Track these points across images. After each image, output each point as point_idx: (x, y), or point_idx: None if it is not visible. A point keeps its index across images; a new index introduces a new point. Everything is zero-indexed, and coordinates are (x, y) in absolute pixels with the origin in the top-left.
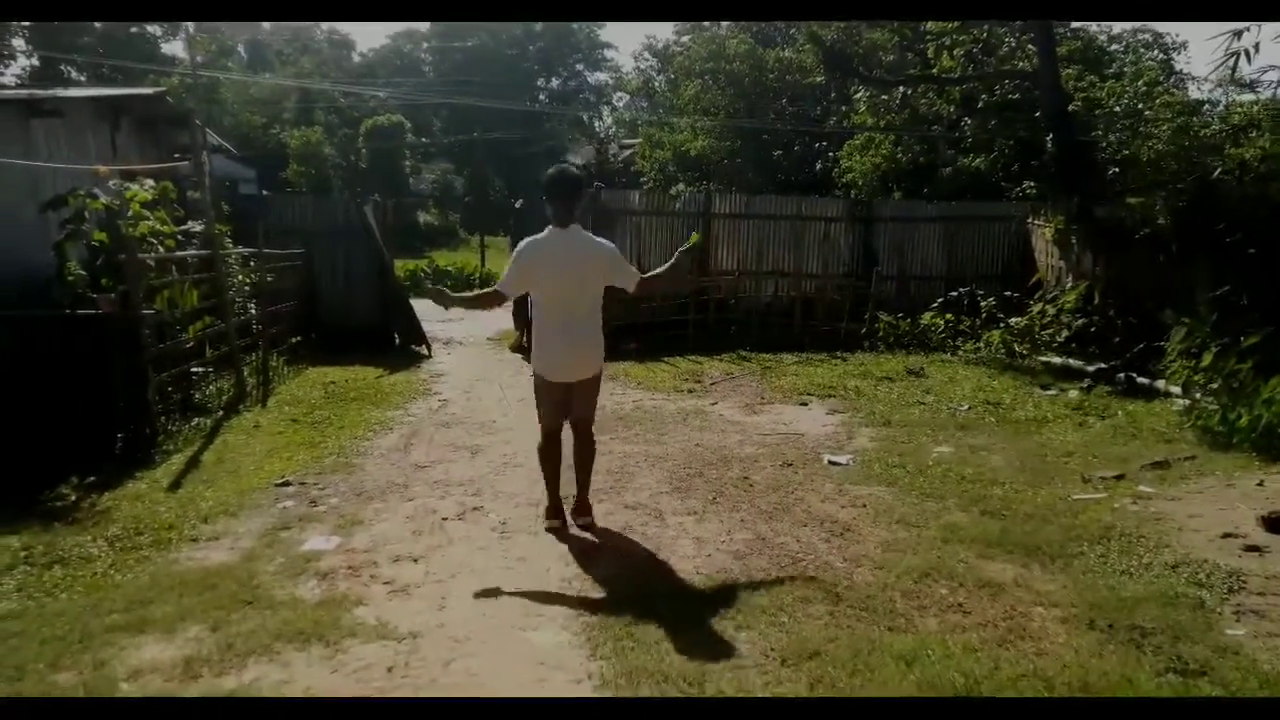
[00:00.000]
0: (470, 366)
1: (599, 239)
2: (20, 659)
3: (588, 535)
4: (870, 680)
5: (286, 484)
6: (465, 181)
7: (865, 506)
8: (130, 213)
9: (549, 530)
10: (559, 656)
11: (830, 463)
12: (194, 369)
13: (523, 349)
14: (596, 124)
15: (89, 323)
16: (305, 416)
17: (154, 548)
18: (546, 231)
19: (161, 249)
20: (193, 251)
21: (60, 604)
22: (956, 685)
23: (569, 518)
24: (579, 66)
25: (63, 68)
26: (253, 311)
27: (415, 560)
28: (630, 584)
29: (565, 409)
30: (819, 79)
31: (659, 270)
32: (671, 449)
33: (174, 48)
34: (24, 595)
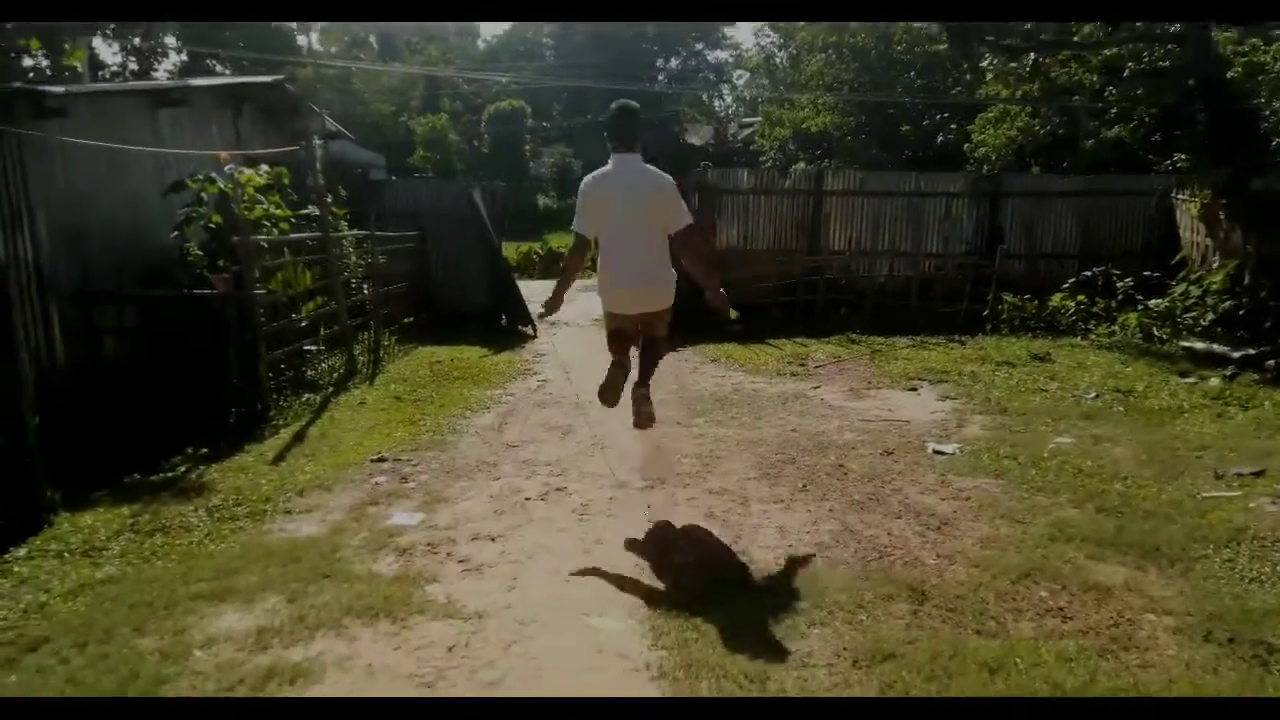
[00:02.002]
0: (573, 347)
1: (659, 171)
2: (110, 622)
3: (644, 413)
4: (947, 687)
5: (382, 460)
6: (583, 164)
7: (968, 499)
8: (244, 197)
9: (611, 372)
10: (620, 644)
11: (934, 452)
12: (307, 347)
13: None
14: (716, 103)
15: (205, 302)
16: (409, 394)
17: (249, 519)
18: (609, 162)
19: (276, 232)
20: (305, 234)
21: (155, 570)
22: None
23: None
24: (698, 45)
25: (209, 62)
26: (366, 292)
27: (493, 539)
28: (705, 573)
29: (630, 343)
30: (944, 47)
31: (711, 271)
32: (766, 434)
33: (310, 40)
34: (125, 561)
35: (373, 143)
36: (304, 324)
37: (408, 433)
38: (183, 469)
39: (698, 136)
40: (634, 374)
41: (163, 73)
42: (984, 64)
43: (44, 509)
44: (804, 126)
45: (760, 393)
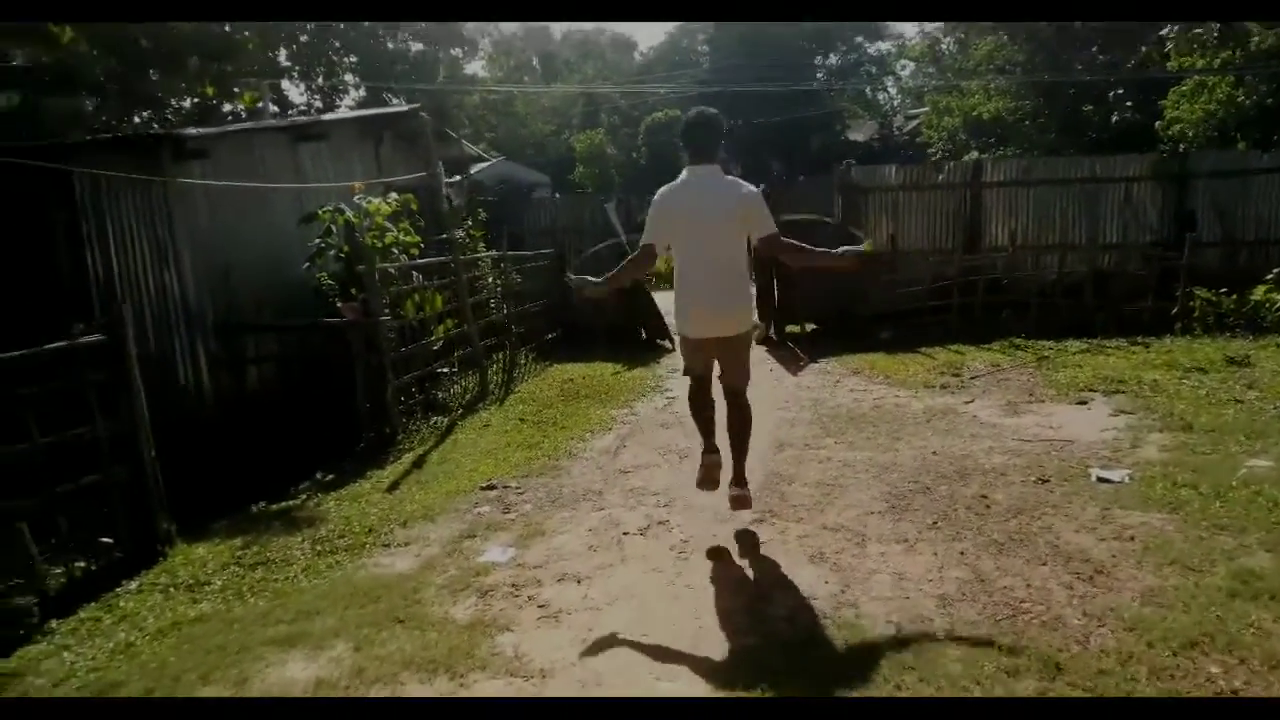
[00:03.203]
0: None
1: (740, 181)
2: (183, 666)
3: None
4: None
5: (491, 487)
6: (741, 169)
7: (1132, 539)
8: (373, 225)
9: (704, 467)
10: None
11: (1099, 479)
12: (440, 370)
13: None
14: (880, 97)
15: (334, 330)
16: (534, 415)
17: (348, 552)
18: (682, 175)
19: (405, 257)
20: (430, 258)
21: (244, 609)
22: None
23: (723, 484)
24: (858, 39)
25: (385, 96)
26: (504, 312)
27: (579, 581)
28: (800, 629)
29: (710, 363)
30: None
31: (821, 250)
32: (902, 457)
33: (475, 67)
34: (221, 598)
35: (538, 162)
36: (437, 347)
37: (523, 457)
38: (303, 497)
39: (861, 133)
40: (726, 460)
41: (344, 108)
42: (1164, 32)
43: (159, 541)
44: (975, 114)
45: (903, 409)
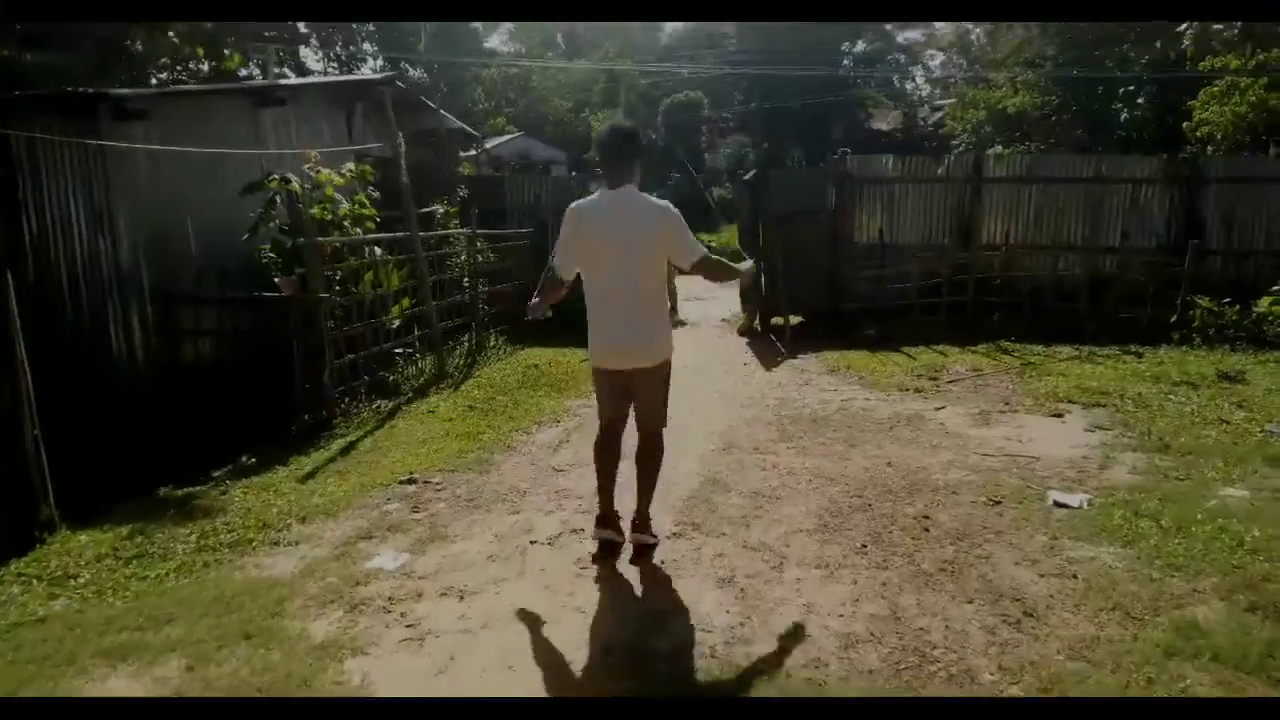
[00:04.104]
0: (685, 353)
1: (658, 201)
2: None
3: (650, 571)
4: None
5: (411, 481)
6: (762, 154)
7: (1075, 577)
8: (322, 197)
9: (597, 541)
10: None
11: (1055, 504)
12: (395, 350)
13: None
14: (907, 86)
15: (270, 305)
16: (485, 403)
17: (232, 549)
18: (595, 194)
19: (360, 231)
20: (390, 234)
21: (96, 611)
22: None
23: (627, 533)
24: (887, 26)
25: (403, 66)
26: (473, 291)
27: (462, 597)
28: (680, 671)
29: (625, 401)
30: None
31: (734, 265)
32: (852, 467)
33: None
34: (81, 596)
35: (557, 139)
36: (394, 326)
37: (458, 448)
38: (213, 483)
39: (885, 122)
40: (632, 494)
41: (363, 76)
42: (1180, 28)
43: (38, 527)
44: (1001, 107)
45: (870, 413)
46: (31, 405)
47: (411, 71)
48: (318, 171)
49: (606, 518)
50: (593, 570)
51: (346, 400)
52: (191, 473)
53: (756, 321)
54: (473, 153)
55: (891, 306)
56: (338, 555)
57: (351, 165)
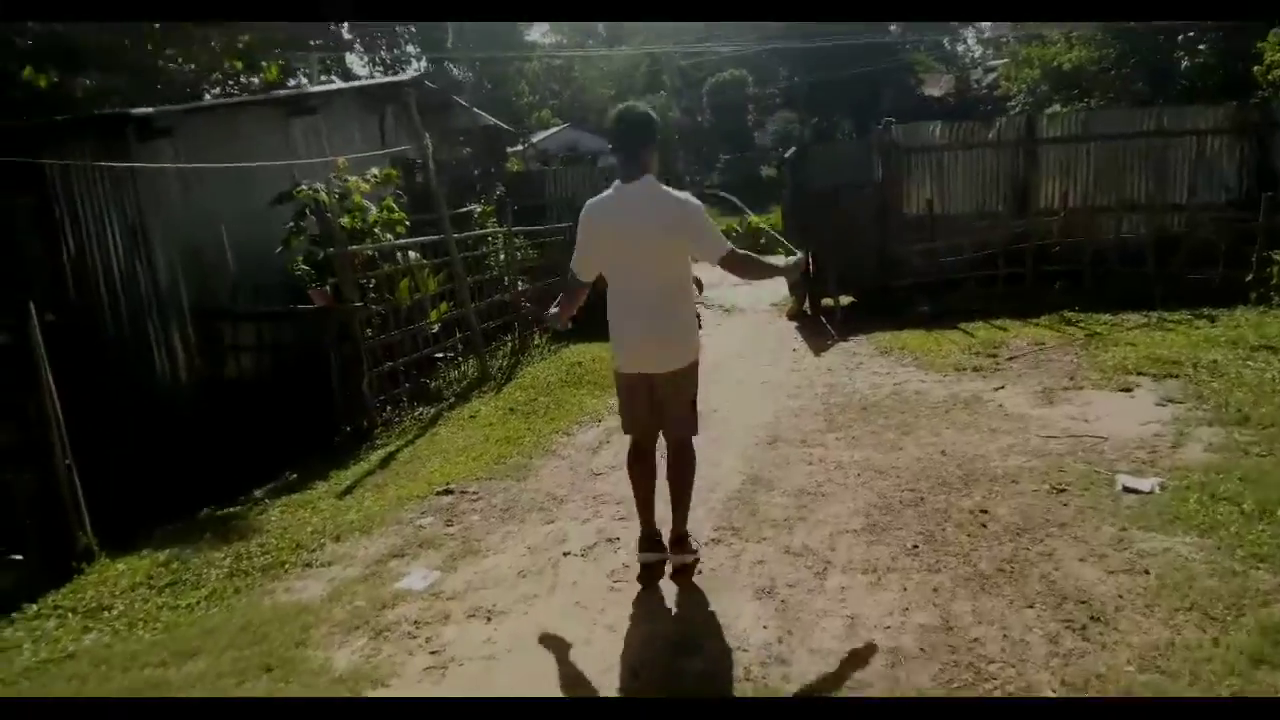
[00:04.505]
0: (733, 339)
1: (679, 194)
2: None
3: (689, 586)
4: None
5: (448, 491)
6: (810, 129)
7: (1147, 573)
8: (351, 204)
9: (642, 565)
10: None
11: (1124, 489)
12: (436, 355)
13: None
14: (958, 48)
15: (306, 317)
16: (527, 404)
17: (264, 574)
18: (610, 189)
19: (390, 237)
20: (418, 239)
21: (125, 645)
22: None
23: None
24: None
25: (447, 65)
26: (514, 290)
27: (489, 619)
28: (712, 693)
29: (652, 410)
30: None
31: (771, 260)
32: (904, 458)
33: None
34: (112, 628)
35: (603, 129)
36: (434, 330)
37: (497, 454)
38: (253, 502)
39: (936, 87)
40: (668, 508)
41: (387, 79)
42: None
43: (76, 556)
44: (1055, 64)
45: (924, 396)
46: (62, 434)
47: (455, 70)
48: (345, 179)
49: (650, 539)
50: (626, 583)
51: (388, 409)
52: (235, 491)
53: (806, 305)
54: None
55: (946, 281)
56: (367, 576)
57: (376, 170)
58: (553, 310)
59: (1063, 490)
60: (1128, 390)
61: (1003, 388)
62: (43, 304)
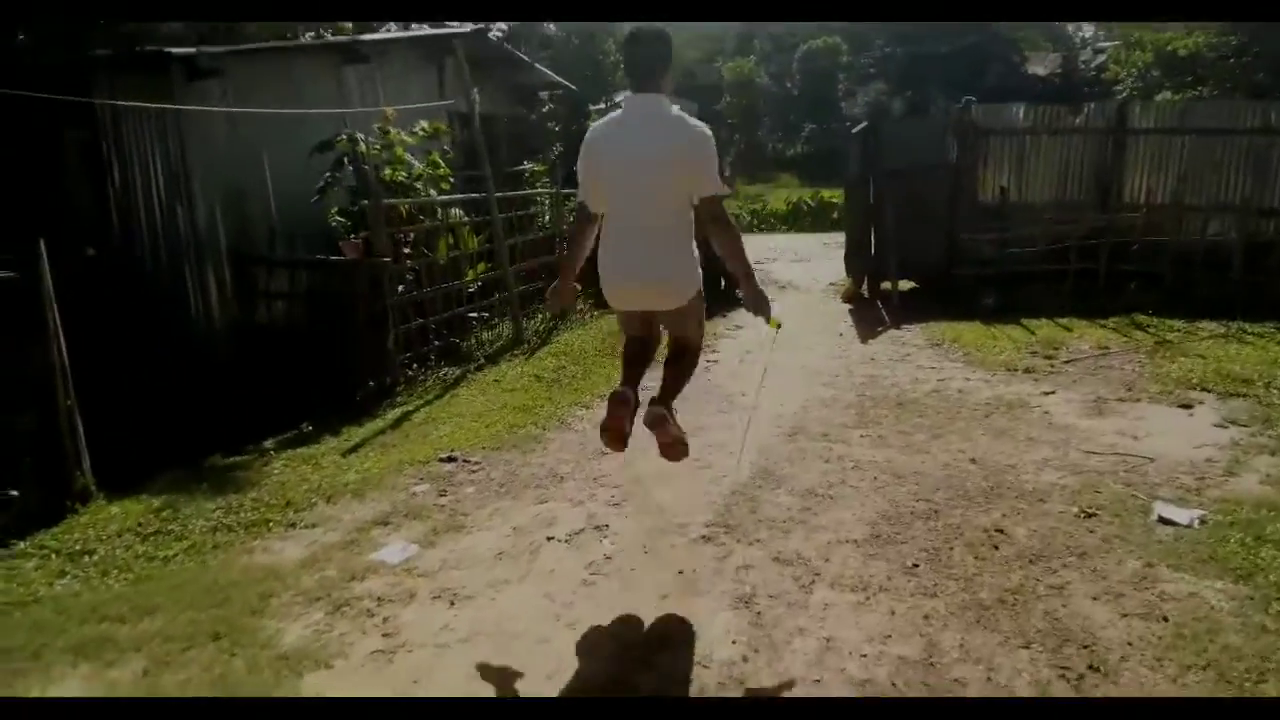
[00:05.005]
0: (782, 317)
1: (692, 120)
2: None
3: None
4: None
5: (451, 459)
6: (904, 103)
7: (1165, 620)
8: (392, 157)
9: (610, 404)
10: None
11: (1160, 519)
12: (470, 315)
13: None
14: (1070, 27)
15: (337, 268)
16: (555, 372)
17: (248, 530)
18: (618, 108)
19: (434, 192)
20: (459, 195)
21: (92, 595)
22: None
23: (642, 404)
24: None
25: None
26: (559, 252)
27: (453, 602)
28: (708, 701)
29: (651, 324)
30: None
31: (746, 255)
32: (929, 463)
33: None
34: (84, 575)
35: (688, 91)
36: (472, 289)
37: (510, 423)
38: (257, 454)
39: (1042, 65)
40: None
41: (443, 29)
42: None
43: (72, 496)
44: (1170, 48)
45: (966, 396)
46: (66, 374)
47: (547, 28)
48: (387, 131)
49: (627, 384)
50: (602, 576)
51: (415, 367)
52: (250, 438)
53: (864, 287)
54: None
55: (1015, 273)
56: (347, 543)
57: (425, 123)
58: (553, 286)
59: (1092, 515)
60: (1188, 407)
61: (1053, 393)
62: (86, 238)
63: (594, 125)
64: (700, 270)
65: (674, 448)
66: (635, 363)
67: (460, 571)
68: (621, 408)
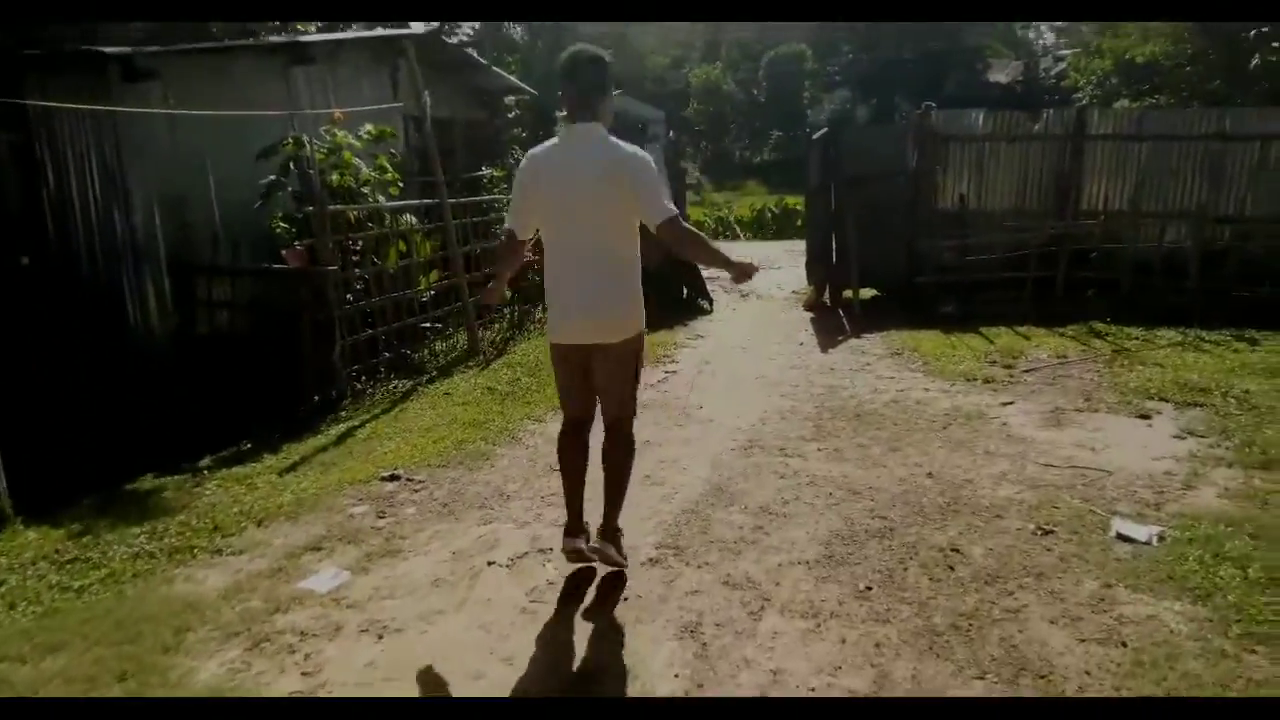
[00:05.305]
0: (741, 328)
1: (627, 145)
2: None
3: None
4: None
5: (394, 477)
6: (869, 110)
7: (1124, 645)
8: (339, 161)
9: (566, 554)
10: None
11: (1119, 536)
12: (424, 325)
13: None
14: (1030, 34)
15: (278, 277)
16: (509, 384)
17: (170, 558)
18: (555, 136)
19: (383, 198)
20: (411, 202)
21: None
22: None
23: (592, 538)
24: None
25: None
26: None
27: (380, 636)
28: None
29: (587, 386)
30: None
31: (719, 247)
32: (885, 478)
33: None
34: None
35: (655, 98)
36: (425, 299)
37: (459, 438)
38: (190, 473)
39: (1004, 73)
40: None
41: (390, 31)
42: None
43: None
44: (1129, 56)
45: (924, 407)
46: None
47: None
48: (333, 134)
49: (573, 525)
50: (542, 605)
51: (363, 379)
52: (186, 455)
53: (825, 295)
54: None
55: (974, 281)
56: (274, 570)
57: (370, 127)
58: (489, 286)
59: (1049, 532)
60: (1146, 417)
61: (1011, 404)
62: (20, 246)
63: (529, 153)
64: (643, 308)
65: (614, 563)
66: (573, 474)
67: (393, 601)
68: (576, 555)
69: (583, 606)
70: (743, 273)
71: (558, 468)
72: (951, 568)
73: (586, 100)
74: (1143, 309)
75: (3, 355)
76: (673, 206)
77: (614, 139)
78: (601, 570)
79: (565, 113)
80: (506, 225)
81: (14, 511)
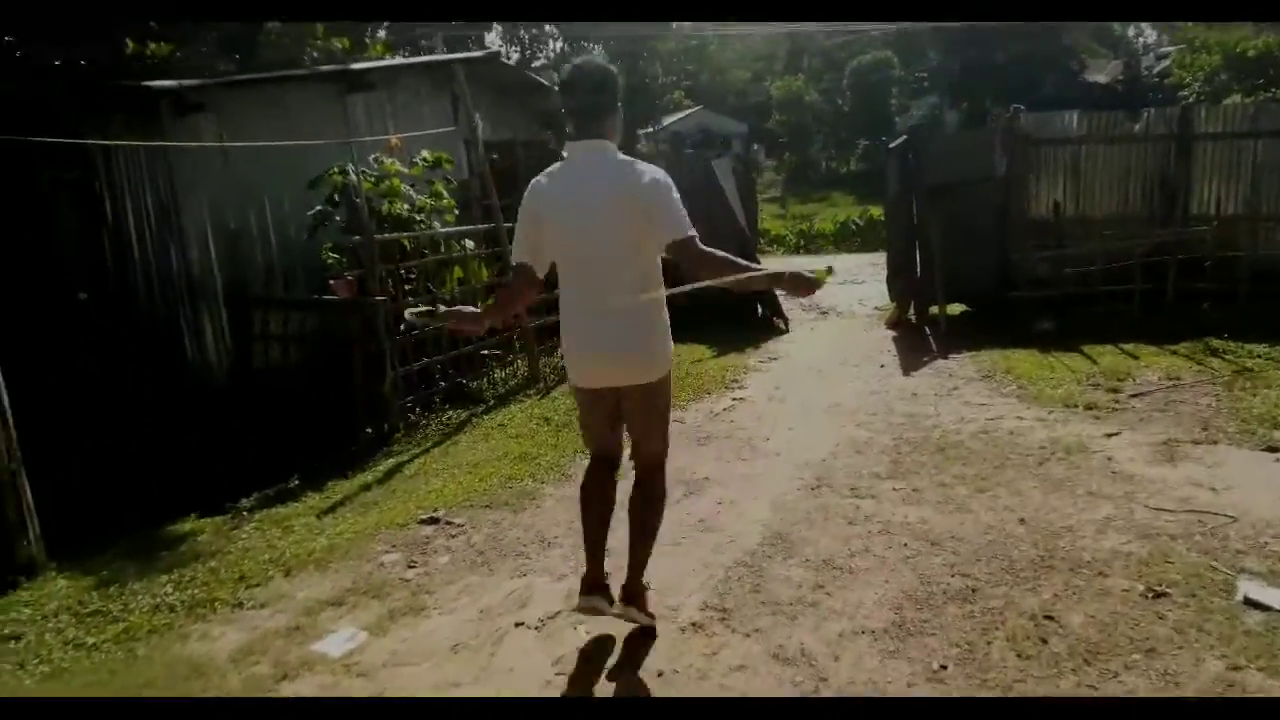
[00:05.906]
0: (817, 349)
1: (642, 165)
2: None
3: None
4: None
5: (433, 520)
6: (959, 115)
7: None
8: (389, 189)
9: (581, 611)
10: None
11: (1247, 600)
12: (483, 352)
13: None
14: (1129, 31)
15: (329, 309)
16: (565, 414)
17: (190, 611)
18: (561, 158)
19: (437, 225)
20: (466, 227)
21: None
22: None
23: (616, 600)
24: None
25: (583, 44)
26: None
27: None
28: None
29: (617, 425)
30: None
31: (755, 268)
32: (969, 525)
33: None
34: None
35: (737, 111)
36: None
37: (507, 474)
38: (230, 513)
39: (1103, 73)
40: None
41: (447, 56)
42: None
43: (14, 569)
44: (1239, 50)
45: (1018, 439)
46: (11, 437)
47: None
48: (382, 162)
49: (593, 578)
50: (566, 675)
51: (417, 410)
52: (238, 493)
53: (910, 312)
54: (649, 130)
55: (1074, 295)
56: (291, 629)
57: (427, 153)
58: (471, 310)
59: (1162, 594)
60: (1274, 450)
61: (1117, 434)
62: (79, 282)
63: (535, 180)
64: (671, 343)
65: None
66: (596, 518)
67: (407, 669)
68: (593, 614)
69: (611, 685)
70: (797, 284)
71: (580, 509)
72: (1044, 640)
73: (593, 116)
74: (1265, 323)
75: (61, 391)
76: (691, 228)
77: (627, 158)
78: (636, 638)
79: (570, 129)
80: (516, 259)
81: (48, 557)
